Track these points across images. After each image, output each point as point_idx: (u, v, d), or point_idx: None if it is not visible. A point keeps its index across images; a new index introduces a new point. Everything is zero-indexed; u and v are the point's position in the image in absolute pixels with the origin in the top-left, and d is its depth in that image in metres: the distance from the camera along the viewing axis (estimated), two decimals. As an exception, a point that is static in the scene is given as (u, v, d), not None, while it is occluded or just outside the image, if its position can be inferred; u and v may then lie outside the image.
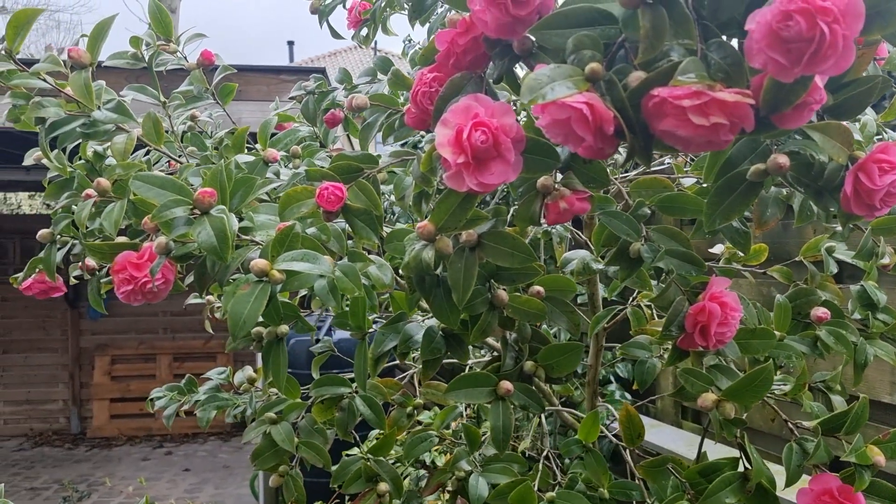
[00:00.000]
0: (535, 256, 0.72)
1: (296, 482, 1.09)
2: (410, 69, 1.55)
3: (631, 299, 1.24)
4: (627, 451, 1.15)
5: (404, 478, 1.90)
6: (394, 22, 1.37)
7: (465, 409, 1.63)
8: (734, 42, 0.53)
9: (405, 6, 1.17)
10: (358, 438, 1.20)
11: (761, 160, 0.62)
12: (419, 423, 1.46)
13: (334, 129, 1.37)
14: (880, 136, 1.02)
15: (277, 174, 1.17)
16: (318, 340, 1.31)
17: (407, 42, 3.78)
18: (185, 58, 1.29)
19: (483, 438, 1.13)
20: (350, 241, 0.93)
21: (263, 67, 3.85)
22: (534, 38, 0.60)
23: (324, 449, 1.09)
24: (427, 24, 1.25)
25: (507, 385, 0.83)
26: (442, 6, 1.16)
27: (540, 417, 1.58)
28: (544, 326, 1.20)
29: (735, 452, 0.88)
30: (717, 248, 1.25)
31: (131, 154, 1.06)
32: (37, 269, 1.10)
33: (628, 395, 2.74)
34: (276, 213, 0.84)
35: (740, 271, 1.20)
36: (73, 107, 1.02)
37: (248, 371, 1.32)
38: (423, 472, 1.91)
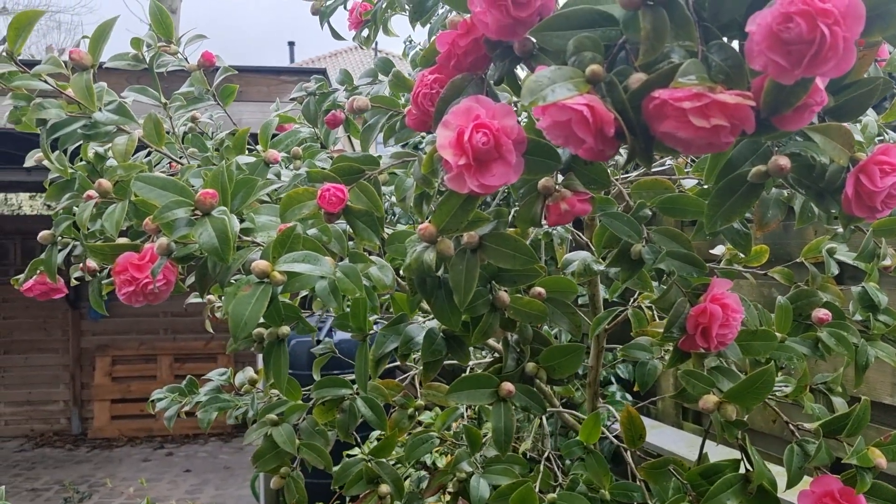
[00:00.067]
0: (537, 258, 0.72)
1: (297, 484, 1.09)
2: (411, 70, 1.56)
3: (632, 300, 1.24)
4: (628, 452, 1.15)
5: (405, 479, 1.90)
6: (395, 23, 1.37)
7: (466, 410, 1.63)
8: (735, 44, 0.53)
9: (406, 8, 1.17)
10: (359, 439, 1.20)
11: (762, 162, 0.62)
12: (420, 423, 1.46)
13: (335, 130, 1.37)
14: (881, 138, 1.02)
15: (278, 175, 1.17)
16: (319, 342, 1.31)
17: (408, 43, 3.79)
18: (186, 59, 1.29)
19: (484, 440, 1.13)
20: (351, 243, 0.93)
21: (264, 68, 3.85)
22: (534, 40, 0.60)
23: (325, 451, 1.09)
24: (428, 26, 1.25)
25: (508, 386, 0.83)
26: (443, 7, 1.17)
27: (541, 418, 1.58)
28: (545, 327, 1.20)
29: (736, 454, 0.88)
30: (718, 250, 1.25)
31: (132, 155, 1.06)
32: (38, 271, 1.10)
33: (629, 397, 2.74)
34: (278, 214, 0.84)
35: (741, 272, 1.20)
36: (74, 108, 1.02)
37: (250, 372, 1.33)
38: (424, 473, 1.91)
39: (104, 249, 0.88)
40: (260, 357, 1.02)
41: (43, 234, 1.07)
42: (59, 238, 1.07)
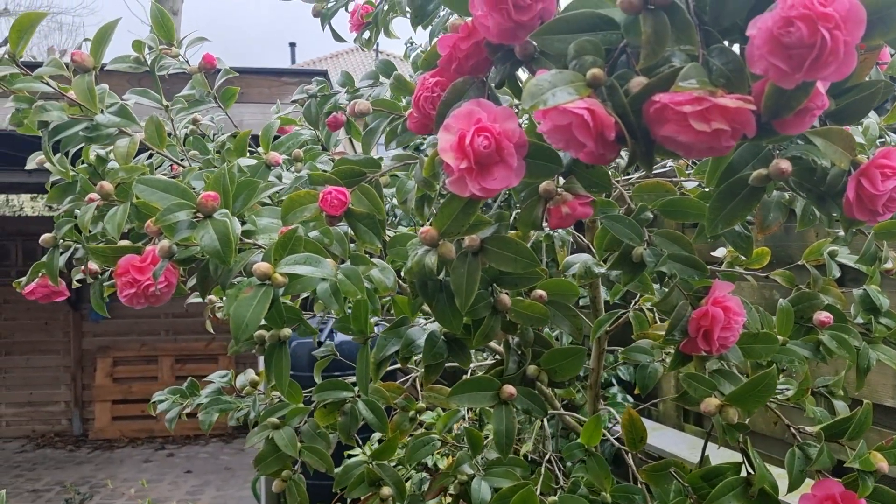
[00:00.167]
0: (538, 261, 0.72)
1: (298, 487, 1.09)
2: (412, 72, 1.56)
3: (633, 303, 1.24)
4: (630, 454, 1.15)
5: (406, 481, 1.90)
6: (396, 25, 1.37)
7: (468, 412, 1.63)
8: (736, 47, 0.53)
9: (407, 10, 1.17)
10: (359, 440, 1.20)
11: (763, 165, 0.62)
12: (421, 423, 1.46)
13: (336, 133, 1.37)
14: (883, 140, 1.02)
15: (280, 178, 1.17)
16: (320, 343, 1.31)
17: (409, 45, 3.79)
18: (187, 62, 1.29)
19: (485, 442, 1.13)
20: (352, 245, 0.93)
21: (265, 70, 3.85)
22: (536, 44, 0.60)
23: (326, 454, 1.09)
24: (429, 28, 1.25)
25: (510, 389, 0.83)
26: (444, 10, 1.17)
27: (542, 420, 1.58)
28: (546, 330, 1.20)
29: (738, 456, 0.88)
30: (720, 252, 1.25)
31: (134, 158, 1.06)
32: (39, 274, 1.10)
33: (630, 398, 2.73)
34: (279, 216, 0.84)
35: (743, 275, 1.20)
36: (75, 110, 1.02)
37: (251, 374, 1.33)
38: (425, 474, 1.91)
39: (106, 252, 0.89)
40: (261, 358, 1.02)
41: (45, 237, 1.07)
42: (61, 241, 1.08)
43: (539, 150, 0.60)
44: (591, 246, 1.26)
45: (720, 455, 0.98)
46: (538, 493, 0.97)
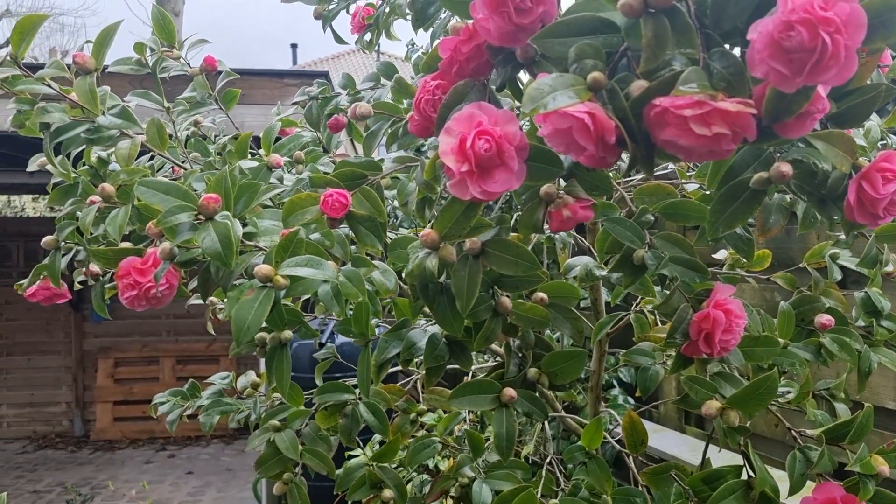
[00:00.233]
0: (539, 264, 0.72)
1: (299, 489, 1.09)
2: (413, 73, 1.56)
3: (634, 305, 1.24)
4: (630, 456, 1.15)
5: (407, 482, 1.90)
6: (397, 26, 1.37)
7: (469, 414, 1.63)
8: (737, 50, 0.53)
9: (408, 13, 1.17)
10: (360, 441, 1.20)
11: (764, 168, 0.62)
12: (422, 425, 1.46)
13: (337, 135, 1.37)
14: (884, 142, 1.02)
15: (281, 179, 1.17)
16: (321, 345, 1.31)
17: (410, 46, 3.79)
18: (189, 64, 1.29)
19: (486, 444, 1.13)
20: (353, 247, 0.93)
21: (266, 71, 3.86)
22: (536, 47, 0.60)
23: (328, 456, 1.09)
24: (430, 30, 1.25)
25: (510, 392, 0.83)
26: (445, 12, 1.17)
27: (543, 422, 1.58)
28: (547, 332, 1.20)
29: (739, 458, 0.88)
30: (721, 254, 1.25)
31: (135, 159, 1.07)
32: (41, 276, 1.10)
33: (631, 400, 2.73)
34: (280, 218, 0.84)
35: (744, 277, 1.20)
36: (77, 112, 1.02)
37: (252, 376, 1.33)
38: (426, 476, 1.91)
39: (107, 254, 0.89)
40: (262, 360, 1.02)
41: (46, 239, 1.07)
42: (63, 243, 1.08)
43: (540, 153, 0.60)
44: (592, 248, 1.26)
45: (721, 457, 0.98)
46: (539, 495, 0.98)
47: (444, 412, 1.45)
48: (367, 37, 1.32)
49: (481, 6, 0.58)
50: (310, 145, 1.36)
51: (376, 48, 1.41)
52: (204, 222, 0.76)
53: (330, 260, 0.78)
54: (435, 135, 0.69)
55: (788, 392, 1.07)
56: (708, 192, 0.97)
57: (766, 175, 0.61)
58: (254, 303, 0.72)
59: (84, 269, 1.10)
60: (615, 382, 2.80)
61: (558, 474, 1.24)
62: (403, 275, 0.85)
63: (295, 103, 1.40)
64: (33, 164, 1.15)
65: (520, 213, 0.74)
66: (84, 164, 1.19)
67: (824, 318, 1.03)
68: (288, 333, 0.91)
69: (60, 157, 1.08)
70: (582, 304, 1.96)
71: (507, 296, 0.80)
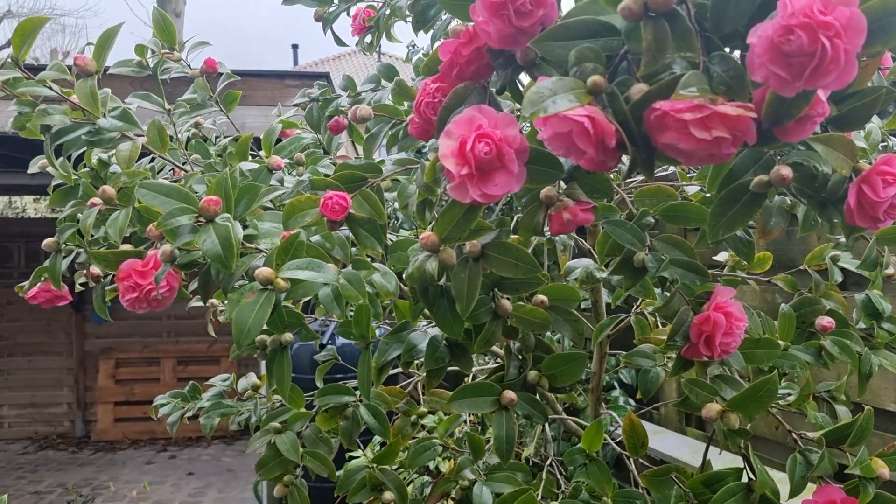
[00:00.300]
0: (539, 267, 0.72)
1: (300, 492, 1.09)
2: (414, 75, 1.56)
3: (635, 307, 1.24)
4: (631, 459, 1.15)
5: (408, 483, 1.90)
6: (398, 28, 1.37)
7: (469, 415, 1.63)
8: (737, 53, 0.53)
9: (408, 15, 1.17)
10: (361, 443, 1.20)
11: (765, 171, 0.62)
12: (423, 426, 1.46)
13: (338, 136, 1.37)
14: (885, 144, 1.02)
15: (281, 181, 1.18)
16: (322, 346, 1.31)
17: (411, 48, 3.79)
18: (189, 66, 1.29)
19: (487, 446, 1.13)
20: (354, 249, 0.93)
21: (267, 72, 3.86)
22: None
23: (328, 458, 1.09)
24: (431, 31, 1.25)
25: (510, 395, 0.83)
26: (445, 14, 1.17)
27: (544, 424, 1.58)
28: (548, 333, 1.20)
29: (740, 460, 0.88)
30: (722, 256, 1.25)
31: (136, 161, 1.07)
32: (42, 278, 1.10)
33: (632, 402, 2.73)
34: (281, 220, 0.84)
35: (744, 279, 1.20)
36: (78, 114, 1.02)
37: (252, 378, 1.33)
38: (427, 478, 1.91)
39: (108, 256, 0.89)
40: (263, 361, 1.02)
41: (47, 241, 1.07)
42: (64, 245, 1.08)
43: (540, 155, 0.60)
44: (592, 250, 1.26)
45: (722, 459, 0.98)
46: (539, 498, 0.97)
47: (445, 414, 1.45)
48: (368, 39, 1.32)
49: (481, 9, 0.58)
50: (310, 147, 1.36)
51: (377, 49, 1.41)
52: (204, 224, 0.76)
53: (331, 262, 0.78)
54: (435, 137, 0.69)
55: (789, 394, 1.07)
56: (708, 195, 0.97)
57: (767, 178, 0.61)
58: (254, 306, 0.72)
59: (85, 271, 1.10)
60: (616, 384, 2.80)
61: (559, 476, 1.24)
62: (404, 276, 0.85)
63: (295, 105, 1.40)
64: (34, 166, 1.15)
65: (520, 215, 0.74)
66: (85, 167, 1.19)
67: (825, 321, 1.03)
68: (288, 336, 0.91)
69: (61, 159, 1.08)
70: (583, 306, 1.96)
71: (508, 298, 0.80)
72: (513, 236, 0.76)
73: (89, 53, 1.01)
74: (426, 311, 0.81)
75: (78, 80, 1.00)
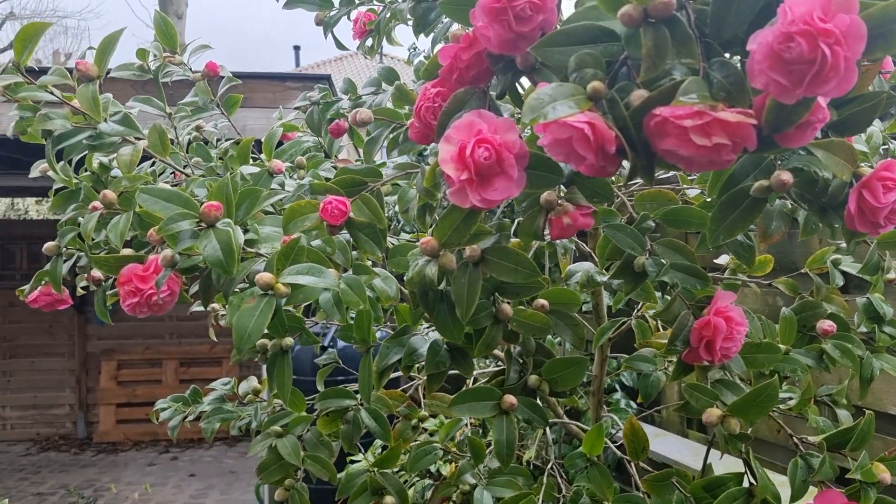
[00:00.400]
0: (539, 271, 0.71)
1: (301, 495, 1.09)
2: (415, 78, 1.56)
3: (636, 311, 1.24)
4: (632, 463, 1.15)
5: (409, 486, 1.90)
6: (399, 31, 1.37)
7: (470, 419, 1.63)
8: (737, 59, 0.53)
9: (409, 18, 1.17)
10: (361, 445, 1.20)
11: (765, 176, 0.62)
12: (425, 429, 1.46)
13: (339, 139, 1.37)
14: (886, 147, 1.02)
15: (282, 185, 1.18)
16: (323, 348, 1.31)
17: (412, 50, 3.79)
18: (191, 69, 1.29)
19: (488, 450, 1.13)
20: (355, 252, 0.93)
21: (269, 74, 3.85)
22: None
23: (329, 462, 1.09)
24: (431, 35, 1.25)
25: (510, 399, 0.83)
26: (446, 18, 1.17)
27: (544, 427, 1.57)
28: (548, 337, 1.20)
29: (742, 463, 0.88)
30: (723, 259, 1.24)
31: (137, 165, 1.07)
32: (43, 282, 1.10)
33: (633, 404, 2.73)
34: (281, 225, 0.84)
35: (745, 282, 1.20)
36: (79, 119, 1.02)
37: (253, 382, 1.33)
38: (428, 481, 1.91)
39: (109, 261, 0.89)
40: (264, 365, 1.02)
41: (48, 245, 1.07)
42: (64, 249, 1.08)
43: (540, 160, 0.60)
44: (593, 253, 1.26)
45: (724, 462, 0.98)
46: (540, 502, 0.97)
47: (447, 417, 1.45)
48: (369, 43, 1.32)
49: (481, 14, 0.58)
50: (311, 150, 1.36)
51: (379, 52, 1.41)
52: (205, 230, 0.76)
53: (331, 267, 0.78)
54: (435, 142, 0.69)
55: (790, 398, 1.07)
56: (709, 199, 0.97)
57: (767, 183, 0.61)
58: (255, 311, 0.72)
59: (86, 274, 1.10)
60: (617, 386, 2.79)
61: (560, 480, 1.24)
62: (405, 279, 0.85)
63: (296, 108, 1.40)
64: (35, 170, 1.15)
65: (521, 218, 0.74)
66: (86, 170, 1.19)
67: (826, 324, 1.03)
68: (289, 340, 0.91)
69: (62, 163, 1.08)
70: (584, 308, 1.95)
71: (508, 302, 0.80)
72: (513, 240, 0.76)
73: (91, 58, 1.01)
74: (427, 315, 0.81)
75: (79, 85, 1.00)
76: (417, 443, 1.21)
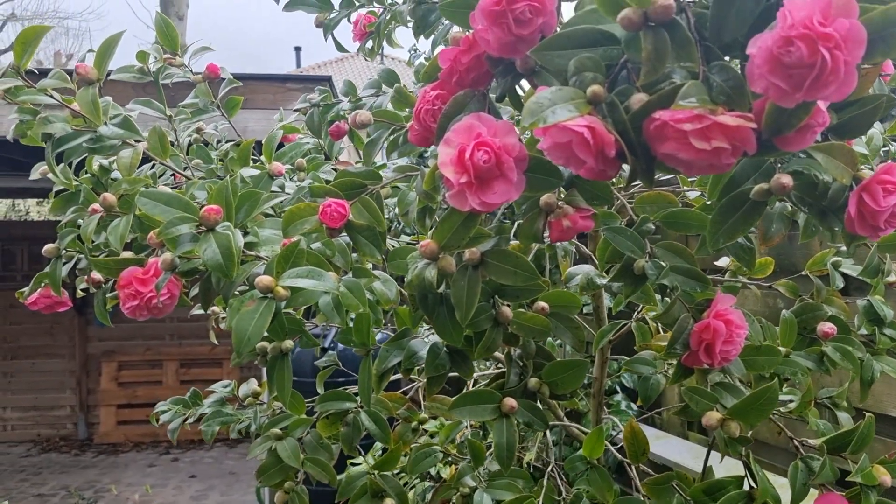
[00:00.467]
0: (539, 274, 0.71)
1: (301, 498, 1.09)
2: (415, 79, 1.56)
3: (636, 313, 1.24)
4: (632, 465, 1.15)
5: (409, 489, 1.90)
6: (399, 33, 1.37)
7: (470, 421, 1.62)
8: (737, 62, 0.53)
9: (409, 20, 1.17)
10: (361, 447, 1.19)
11: (765, 179, 0.62)
12: (425, 431, 1.46)
13: (339, 141, 1.37)
14: (887, 149, 1.02)
15: (282, 187, 1.17)
16: (323, 350, 1.31)
17: (412, 52, 3.79)
18: (191, 71, 1.29)
19: (488, 452, 1.13)
20: (354, 255, 0.93)
21: (269, 76, 3.85)
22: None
23: (329, 465, 1.09)
24: (432, 37, 1.25)
25: (511, 402, 0.83)
26: (445, 20, 1.17)
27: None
28: (549, 339, 1.20)
29: (742, 465, 0.87)
30: (723, 261, 1.24)
31: (137, 168, 1.07)
32: (42, 284, 1.10)
33: (634, 406, 2.72)
34: (281, 227, 0.84)
35: (746, 284, 1.20)
36: (79, 121, 1.02)
37: (253, 384, 1.33)
38: (428, 483, 1.91)
39: (109, 263, 0.89)
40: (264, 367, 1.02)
41: (47, 247, 1.07)
42: (64, 251, 1.08)
43: (539, 163, 0.60)
44: (593, 255, 1.26)
45: (725, 465, 0.98)
46: (540, 504, 0.97)
47: (446, 419, 1.45)
48: (369, 44, 1.32)
49: (481, 17, 0.58)
50: (311, 152, 1.36)
51: (380, 53, 1.41)
52: (205, 233, 0.76)
53: (331, 269, 0.77)
54: (434, 145, 0.68)
55: (791, 401, 1.06)
56: (709, 202, 0.97)
57: (767, 186, 0.61)
58: (254, 314, 0.72)
59: (86, 276, 1.10)
60: (618, 388, 2.79)
61: (560, 482, 1.24)
62: (405, 281, 0.85)
63: (297, 110, 1.40)
64: (35, 172, 1.15)
65: (520, 221, 0.74)
66: (86, 172, 1.19)
67: (826, 327, 1.03)
68: (289, 343, 0.91)
69: (62, 165, 1.08)
70: (584, 310, 1.96)
71: (508, 305, 0.80)
72: (513, 243, 0.76)
73: (91, 60, 1.01)
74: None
75: (79, 88, 1.00)
76: (417, 445, 1.21)
